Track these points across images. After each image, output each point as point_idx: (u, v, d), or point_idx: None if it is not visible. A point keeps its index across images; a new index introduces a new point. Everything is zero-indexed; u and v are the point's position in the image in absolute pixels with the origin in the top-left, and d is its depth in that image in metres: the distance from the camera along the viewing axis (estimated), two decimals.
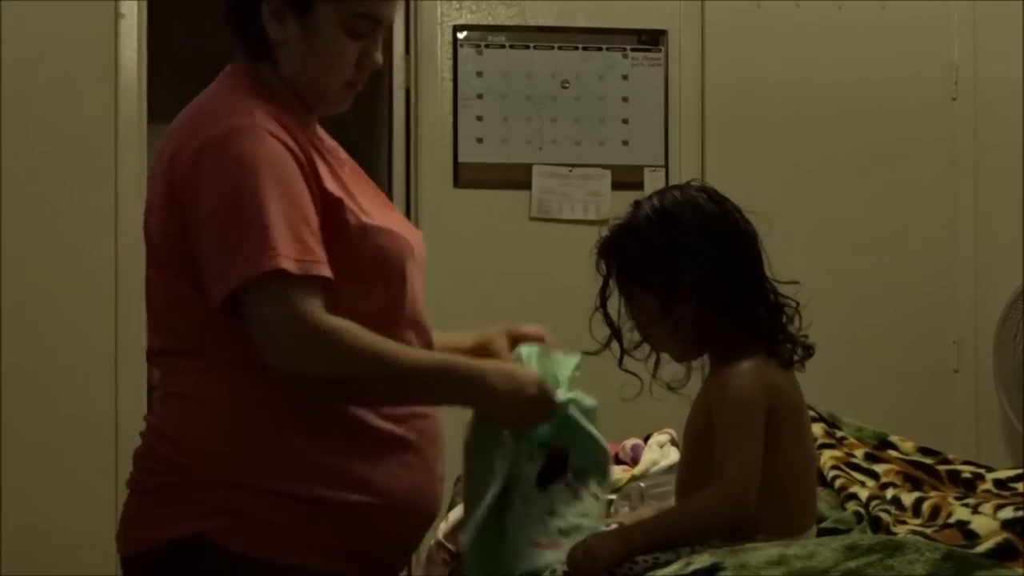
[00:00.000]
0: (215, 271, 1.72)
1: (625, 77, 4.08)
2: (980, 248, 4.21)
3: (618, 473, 2.71)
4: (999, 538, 2.09)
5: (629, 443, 2.86)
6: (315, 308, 1.70)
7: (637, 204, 1.86)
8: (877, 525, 2.27)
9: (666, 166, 4.08)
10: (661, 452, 2.75)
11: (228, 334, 1.76)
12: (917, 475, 2.61)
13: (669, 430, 2.86)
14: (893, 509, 2.39)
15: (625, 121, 4.08)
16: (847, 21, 4.19)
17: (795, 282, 1.83)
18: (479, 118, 3.98)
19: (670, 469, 2.69)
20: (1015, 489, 2.49)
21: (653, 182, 4.05)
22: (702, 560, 1.58)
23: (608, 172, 4.04)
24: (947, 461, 2.69)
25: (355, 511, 1.77)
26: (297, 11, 1.81)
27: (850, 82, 4.18)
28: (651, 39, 4.10)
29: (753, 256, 1.82)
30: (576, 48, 4.05)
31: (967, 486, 2.56)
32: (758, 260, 1.83)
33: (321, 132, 1.94)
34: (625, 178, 4.03)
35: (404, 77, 3.98)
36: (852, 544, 1.52)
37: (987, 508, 2.30)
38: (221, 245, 1.72)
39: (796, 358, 1.82)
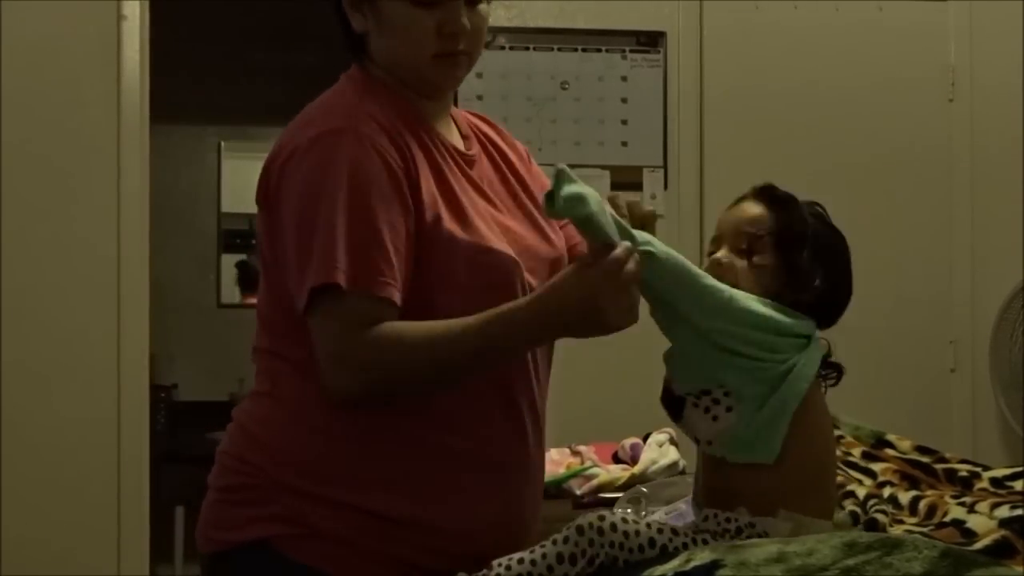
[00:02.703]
0: (293, 279, 1.70)
1: (624, 78, 4.10)
2: (977, 248, 4.23)
3: (617, 472, 2.72)
4: (996, 536, 2.10)
5: (628, 442, 2.88)
6: (362, 327, 1.64)
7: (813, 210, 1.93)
8: (873, 527, 2.28)
9: (665, 167, 4.09)
10: (660, 451, 2.76)
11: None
12: (914, 474, 2.62)
13: (668, 429, 2.87)
14: (890, 508, 2.40)
15: (624, 122, 4.09)
16: (844, 23, 4.21)
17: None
18: None
19: (670, 468, 2.71)
20: (1012, 488, 2.50)
21: (652, 183, 4.08)
22: (702, 557, 1.59)
23: (607, 173, 4.05)
24: (944, 460, 2.70)
25: (424, 530, 1.74)
26: None
27: (847, 84, 4.19)
28: (650, 40, 4.11)
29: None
30: (575, 49, 4.07)
31: (964, 485, 2.57)
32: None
33: (452, 127, 1.89)
34: (624, 179, 4.04)
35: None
36: (851, 542, 1.52)
37: (983, 507, 2.31)
38: (295, 253, 1.69)
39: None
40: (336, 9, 1.88)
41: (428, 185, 1.75)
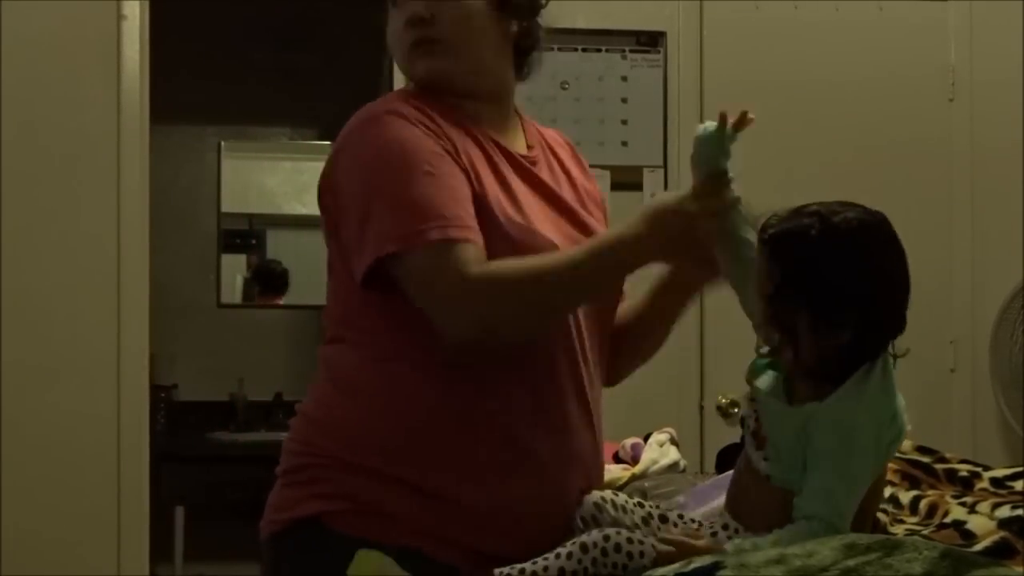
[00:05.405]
0: (365, 251, 1.75)
1: (624, 78, 4.10)
2: (977, 248, 4.23)
3: (618, 472, 2.73)
4: (996, 537, 2.10)
5: (629, 442, 2.88)
6: (460, 265, 1.69)
7: (829, 213, 1.66)
8: (875, 526, 2.28)
9: (665, 167, 4.09)
10: (661, 451, 2.77)
11: (377, 322, 1.80)
12: (915, 473, 2.62)
13: (669, 429, 2.88)
14: (891, 508, 2.40)
15: (624, 122, 4.09)
16: (844, 22, 4.21)
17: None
18: None
19: (670, 468, 2.71)
20: (1012, 488, 2.50)
21: (652, 183, 4.08)
22: (702, 559, 1.59)
23: (607, 173, 4.04)
24: (944, 460, 2.70)
25: (467, 510, 1.77)
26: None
27: (848, 83, 4.19)
28: (650, 40, 4.11)
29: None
30: (575, 49, 4.07)
31: (964, 484, 2.57)
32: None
33: (516, 133, 1.94)
34: (624, 179, 4.04)
35: (405, 79, 3.98)
36: (851, 543, 1.52)
37: (984, 507, 2.31)
38: (359, 225, 1.75)
39: None
40: None
41: (475, 162, 1.81)
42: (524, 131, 1.97)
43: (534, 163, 1.92)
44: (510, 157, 1.88)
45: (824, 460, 1.63)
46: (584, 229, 1.91)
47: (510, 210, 1.81)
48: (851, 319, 1.63)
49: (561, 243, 1.83)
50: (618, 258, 1.77)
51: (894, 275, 1.67)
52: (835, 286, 1.63)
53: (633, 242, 1.75)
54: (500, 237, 1.77)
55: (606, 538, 1.69)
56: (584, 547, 1.68)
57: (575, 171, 2.02)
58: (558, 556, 1.69)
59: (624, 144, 4.09)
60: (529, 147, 1.94)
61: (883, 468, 1.74)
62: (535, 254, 1.78)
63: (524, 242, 1.79)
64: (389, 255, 1.71)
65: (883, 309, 1.66)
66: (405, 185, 1.72)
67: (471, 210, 1.75)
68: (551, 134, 2.04)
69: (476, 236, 1.73)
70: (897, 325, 1.69)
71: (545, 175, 1.93)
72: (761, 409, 1.73)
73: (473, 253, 1.71)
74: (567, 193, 1.95)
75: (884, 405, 1.67)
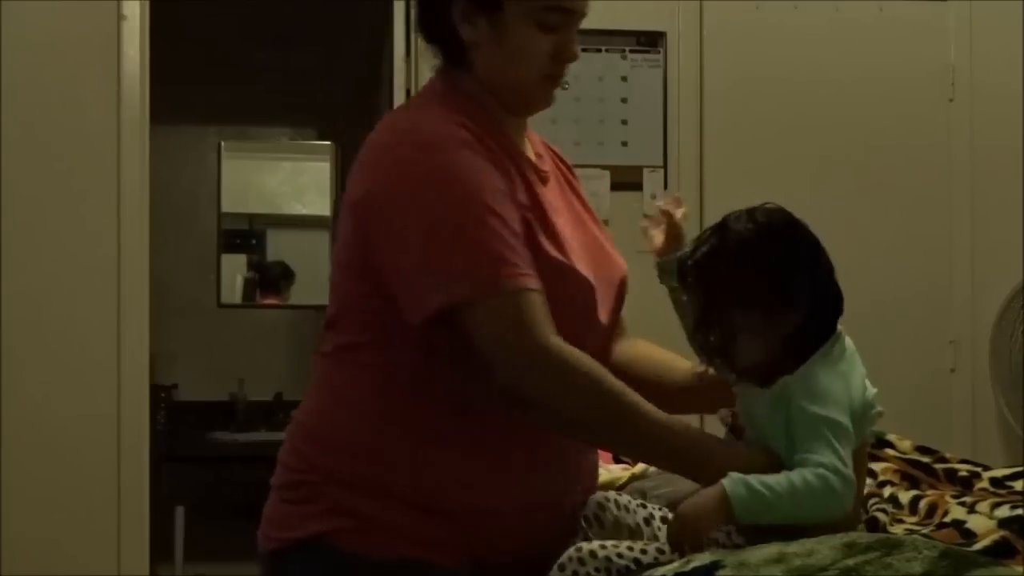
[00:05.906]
0: (408, 286, 1.71)
1: (624, 78, 4.10)
2: (977, 248, 4.23)
3: (618, 472, 2.72)
4: (996, 536, 2.10)
5: None
6: (536, 323, 1.68)
7: (729, 223, 1.79)
8: (874, 525, 2.28)
9: (665, 167, 4.10)
10: None
11: (376, 334, 1.78)
12: (915, 473, 2.62)
13: None
14: (890, 507, 2.40)
15: (624, 122, 4.10)
16: (845, 22, 4.21)
17: None
18: None
19: None
20: (1012, 487, 2.50)
21: (652, 183, 4.08)
22: (702, 558, 1.59)
23: (607, 173, 4.05)
24: (944, 460, 2.70)
25: (465, 516, 1.76)
26: (486, 11, 1.80)
27: (848, 83, 4.20)
28: (650, 41, 4.12)
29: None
30: None
31: (964, 484, 2.57)
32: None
33: (530, 140, 1.93)
34: (624, 179, 4.05)
35: (405, 79, 3.98)
36: (851, 542, 1.52)
37: (984, 507, 2.31)
38: (419, 259, 1.70)
39: None
40: (433, 14, 1.86)
41: (518, 191, 1.79)
42: (530, 140, 1.96)
43: (547, 178, 1.90)
44: (536, 171, 1.87)
45: (805, 417, 1.69)
46: (593, 239, 1.92)
47: (548, 245, 1.79)
48: (754, 308, 1.73)
49: (589, 274, 1.82)
50: (681, 467, 1.79)
51: (790, 261, 1.76)
52: (733, 284, 1.74)
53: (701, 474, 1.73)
54: (542, 273, 1.74)
55: (578, 549, 1.70)
56: (561, 567, 1.69)
57: (572, 179, 2.02)
58: None
59: (624, 144, 4.09)
60: (538, 156, 1.93)
61: (862, 439, 1.77)
62: (569, 291, 1.78)
63: (561, 281, 1.77)
64: (452, 301, 1.68)
65: (792, 294, 1.74)
66: (475, 226, 1.68)
67: (528, 254, 1.73)
68: (543, 142, 2.03)
69: (539, 284, 1.71)
70: (827, 305, 1.79)
71: (555, 188, 1.92)
72: (739, 398, 1.79)
73: (540, 304, 1.69)
74: (575, 201, 1.96)
75: (849, 366, 1.76)
